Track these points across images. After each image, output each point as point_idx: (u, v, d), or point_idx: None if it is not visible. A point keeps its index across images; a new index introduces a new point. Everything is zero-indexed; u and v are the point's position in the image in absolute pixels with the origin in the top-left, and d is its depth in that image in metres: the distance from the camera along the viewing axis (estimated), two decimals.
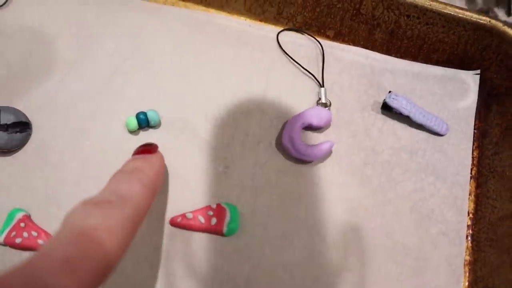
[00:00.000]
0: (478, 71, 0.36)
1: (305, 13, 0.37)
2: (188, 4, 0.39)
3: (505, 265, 0.30)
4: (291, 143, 0.32)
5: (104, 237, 0.21)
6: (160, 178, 0.29)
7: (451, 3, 0.34)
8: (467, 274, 0.32)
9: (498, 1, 0.42)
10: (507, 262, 0.30)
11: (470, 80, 0.36)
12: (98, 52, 0.36)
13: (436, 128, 0.34)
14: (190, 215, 0.31)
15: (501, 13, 0.42)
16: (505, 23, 0.33)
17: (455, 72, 0.36)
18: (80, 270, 0.19)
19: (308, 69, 0.36)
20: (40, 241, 0.30)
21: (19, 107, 0.33)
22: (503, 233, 0.31)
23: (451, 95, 0.36)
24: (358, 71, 0.36)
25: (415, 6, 0.34)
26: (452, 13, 0.34)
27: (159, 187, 0.29)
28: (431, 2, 0.34)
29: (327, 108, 0.34)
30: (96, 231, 0.21)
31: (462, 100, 0.36)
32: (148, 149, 0.29)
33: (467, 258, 0.32)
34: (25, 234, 0.30)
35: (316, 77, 0.36)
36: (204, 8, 0.39)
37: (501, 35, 0.33)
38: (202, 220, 0.30)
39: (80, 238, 0.20)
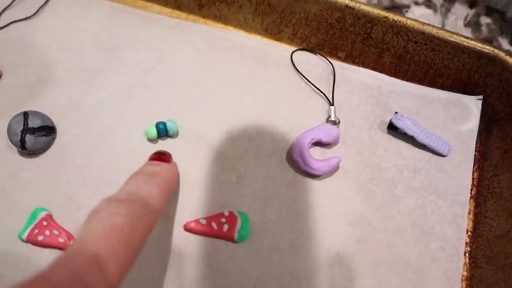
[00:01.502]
0: (481, 97, 0.37)
1: (318, 35, 0.39)
2: (208, 21, 0.41)
3: (500, 282, 0.31)
4: (301, 157, 0.33)
5: (129, 235, 0.22)
6: (174, 184, 0.31)
7: (457, 31, 0.36)
8: None
9: (503, 30, 0.44)
10: (502, 279, 0.31)
11: (472, 104, 0.37)
12: (122, 63, 0.38)
13: (439, 149, 0.35)
14: (203, 221, 0.32)
15: (504, 42, 0.44)
16: (507, 52, 0.35)
17: (459, 96, 0.38)
18: (109, 266, 0.20)
19: (319, 88, 0.37)
20: (60, 240, 0.31)
21: (46, 112, 0.35)
22: (499, 251, 0.32)
23: (454, 118, 0.37)
24: (366, 92, 0.38)
25: (423, 33, 0.36)
26: (458, 41, 0.35)
27: (172, 193, 0.31)
28: (438, 30, 0.35)
29: (336, 125, 0.36)
30: (123, 229, 0.22)
31: (464, 123, 0.37)
32: (163, 158, 0.31)
33: (465, 273, 0.33)
34: (47, 232, 0.31)
35: (327, 95, 0.37)
36: (223, 25, 0.41)
37: (503, 64, 0.35)
38: (215, 226, 0.32)
39: (109, 235, 0.21)
